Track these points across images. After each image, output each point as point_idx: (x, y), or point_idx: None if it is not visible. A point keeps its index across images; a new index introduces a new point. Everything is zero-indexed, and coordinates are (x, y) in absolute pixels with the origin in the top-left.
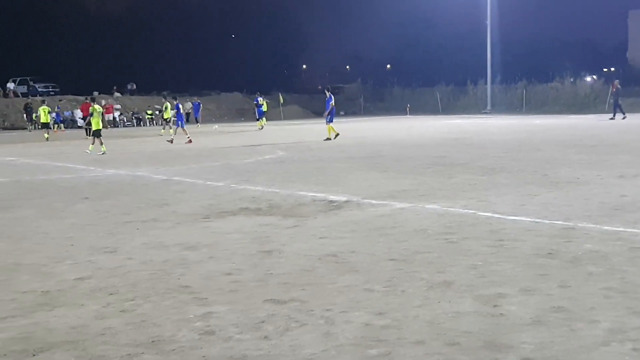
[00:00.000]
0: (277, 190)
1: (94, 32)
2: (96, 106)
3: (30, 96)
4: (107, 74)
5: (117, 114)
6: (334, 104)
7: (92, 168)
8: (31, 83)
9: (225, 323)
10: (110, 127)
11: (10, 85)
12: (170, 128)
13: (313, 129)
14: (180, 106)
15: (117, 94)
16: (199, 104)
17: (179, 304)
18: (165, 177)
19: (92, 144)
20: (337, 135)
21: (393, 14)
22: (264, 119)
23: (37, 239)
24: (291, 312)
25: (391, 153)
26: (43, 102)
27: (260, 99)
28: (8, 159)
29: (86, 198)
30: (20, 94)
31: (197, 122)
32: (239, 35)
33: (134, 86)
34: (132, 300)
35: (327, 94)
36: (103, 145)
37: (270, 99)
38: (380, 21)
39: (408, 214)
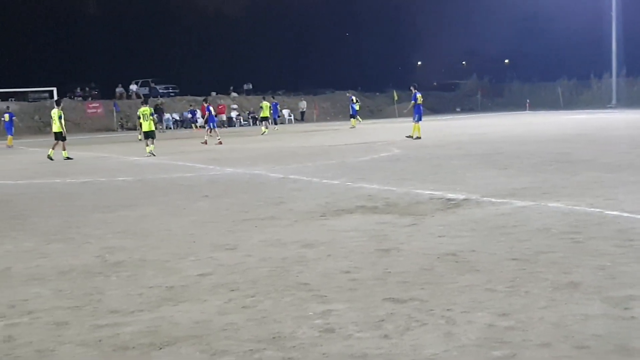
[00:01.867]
0: (394, 188)
1: (212, 33)
2: (145, 108)
3: (151, 97)
4: (224, 74)
5: (233, 113)
6: (418, 101)
7: (211, 167)
8: (152, 84)
9: (345, 321)
10: (226, 126)
11: (133, 86)
12: (267, 127)
13: (427, 127)
14: (212, 108)
15: (233, 94)
16: (277, 104)
17: (298, 301)
18: (281, 176)
19: (148, 145)
20: (417, 137)
21: (510, 6)
22: (358, 117)
23: (160, 235)
24: (411, 311)
25: (511, 150)
26: (143, 103)
27: (353, 98)
28: (132, 158)
29: (206, 196)
30: (142, 96)
31: (275, 123)
32: (353, 32)
33: (251, 86)
34: (252, 296)
35: (413, 91)
36: (150, 147)
37: (384, 96)
38: (497, 15)
39: (530, 212)
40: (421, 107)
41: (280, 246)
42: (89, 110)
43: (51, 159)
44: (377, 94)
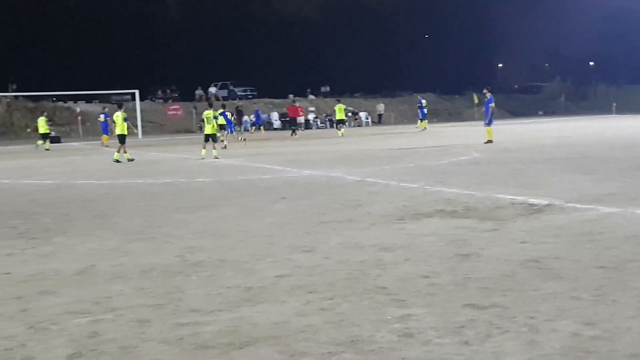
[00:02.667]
0: (473, 193)
1: (291, 36)
2: (209, 111)
3: (230, 100)
4: (302, 76)
5: (311, 116)
6: (494, 105)
7: (288, 169)
8: (231, 87)
9: (424, 326)
10: (302, 129)
11: (212, 89)
12: (339, 130)
13: (508, 130)
14: (228, 113)
15: (311, 97)
16: (256, 110)
17: (376, 305)
18: (359, 178)
19: (213, 148)
20: (490, 141)
21: (595, 6)
22: (426, 120)
23: (239, 236)
24: (492, 318)
25: (596, 154)
26: (223, 106)
27: (423, 101)
28: (211, 160)
29: (284, 198)
30: (221, 98)
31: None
32: (432, 34)
33: (328, 88)
34: (330, 299)
35: (487, 95)
36: (207, 150)
37: (463, 99)
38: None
39: (617, 219)
40: (493, 111)
41: (358, 249)
42: (169, 112)
43: (118, 161)
44: (456, 96)
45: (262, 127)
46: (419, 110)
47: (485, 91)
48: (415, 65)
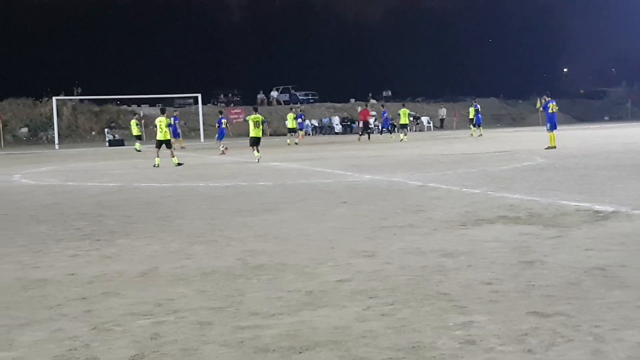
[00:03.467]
0: (537, 199)
1: (352, 40)
2: (256, 115)
3: (291, 104)
4: (363, 81)
5: (372, 120)
6: (550, 110)
7: (349, 173)
8: (292, 91)
9: (486, 333)
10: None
11: (274, 93)
12: (405, 134)
13: (573, 136)
14: (223, 121)
15: (372, 101)
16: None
17: (438, 311)
18: (420, 183)
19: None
20: (552, 147)
21: None
22: (480, 127)
23: (300, 240)
24: (556, 326)
25: None
26: (291, 109)
27: (479, 107)
28: (272, 163)
29: (344, 202)
30: (282, 102)
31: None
32: (496, 38)
33: (390, 93)
34: (391, 304)
35: (546, 99)
36: (256, 154)
37: (527, 104)
38: None
39: None
40: (555, 116)
41: (419, 255)
42: (231, 116)
43: (180, 164)
44: (520, 101)
45: (302, 131)
46: (475, 116)
47: (544, 96)
48: (478, 69)
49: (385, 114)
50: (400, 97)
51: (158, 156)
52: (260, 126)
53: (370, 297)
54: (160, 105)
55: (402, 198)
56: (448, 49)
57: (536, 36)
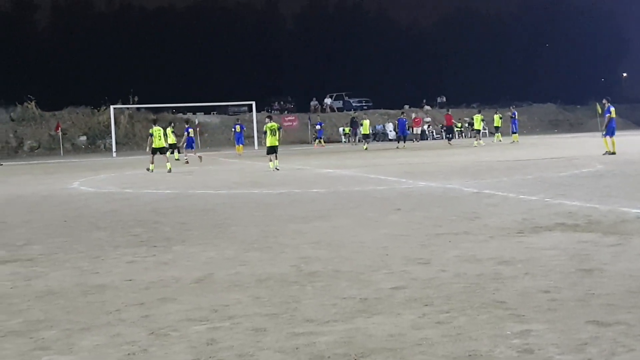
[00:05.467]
0: (596, 206)
1: (406, 46)
2: (272, 123)
3: (345, 110)
4: (417, 87)
5: (426, 126)
6: (611, 115)
7: (403, 180)
8: (346, 98)
9: (545, 342)
10: (417, 140)
11: (327, 100)
12: (479, 140)
13: (634, 141)
14: (190, 130)
15: (426, 107)
16: (405, 121)
17: (494, 319)
18: (476, 190)
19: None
20: (612, 153)
21: None
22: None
23: (353, 247)
24: (617, 336)
25: None
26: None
27: (516, 113)
28: (325, 170)
29: (398, 209)
30: (336, 109)
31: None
32: (553, 43)
33: (444, 99)
34: (447, 312)
35: (606, 104)
36: (274, 162)
37: (585, 109)
38: None
39: None
40: (614, 121)
41: (475, 262)
42: (285, 124)
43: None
44: (578, 106)
45: (320, 140)
46: (510, 123)
47: (604, 101)
48: (534, 75)
49: (406, 122)
50: (455, 103)
51: (152, 162)
52: (277, 134)
53: (426, 305)
54: (153, 116)
55: (457, 205)
56: (503, 54)
57: (595, 41)
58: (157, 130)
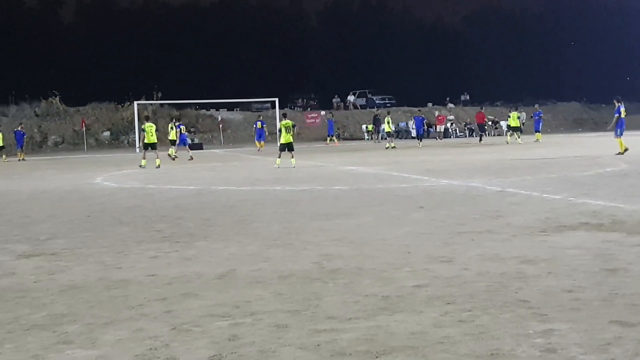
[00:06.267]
0: (621, 205)
1: (429, 44)
2: (286, 121)
3: (368, 108)
4: (440, 85)
5: (449, 124)
6: (621, 115)
7: (425, 178)
8: (369, 95)
9: (568, 342)
10: (440, 138)
11: (350, 97)
12: (511, 135)
13: None
14: (182, 127)
15: (450, 105)
16: (423, 118)
17: (517, 318)
18: (499, 189)
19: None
20: (625, 150)
21: None
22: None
23: (376, 245)
24: None
25: None
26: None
27: (541, 112)
28: (348, 167)
29: (421, 207)
30: (359, 106)
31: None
32: (579, 41)
33: (467, 97)
34: (469, 310)
35: (616, 104)
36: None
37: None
38: None
39: None
40: (624, 121)
41: (498, 261)
42: (308, 120)
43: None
44: (603, 105)
45: (333, 137)
46: (534, 122)
47: (615, 101)
48: (559, 73)
49: (423, 120)
50: (479, 101)
51: (145, 158)
52: (292, 131)
53: (448, 303)
54: (146, 113)
55: (480, 203)
56: (528, 52)
57: (620, 39)
58: (149, 126)
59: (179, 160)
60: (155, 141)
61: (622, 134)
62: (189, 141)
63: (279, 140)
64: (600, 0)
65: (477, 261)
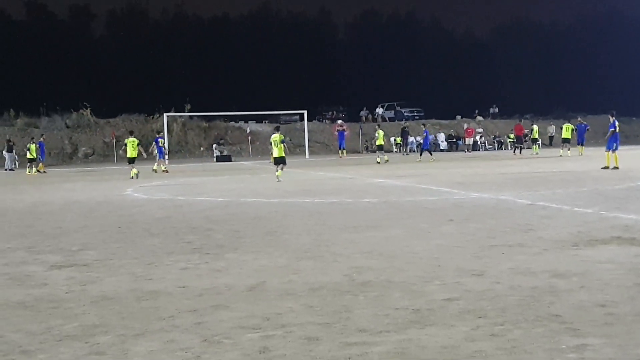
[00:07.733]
0: None
1: (458, 56)
2: (277, 135)
3: (396, 120)
4: (470, 97)
5: (478, 137)
6: (616, 129)
7: (455, 191)
8: (398, 108)
9: (601, 357)
10: (468, 150)
11: (379, 110)
12: (565, 148)
13: None
14: (160, 140)
15: (479, 118)
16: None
17: (550, 333)
18: (529, 202)
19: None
20: (614, 167)
21: None
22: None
23: (406, 258)
24: None
25: None
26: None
27: (588, 127)
28: (377, 180)
29: (451, 220)
30: (387, 119)
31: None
32: (609, 54)
33: (497, 109)
34: (501, 325)
35: (611, 119)
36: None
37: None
38: None
39: None
40: (618, 136)
41: (529, 275)
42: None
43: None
44: (633, 118)
45: (344, 150)
46: (580, 134)
47: (609, 115)
48: (589, 86)
49: (427, 134)
50: (508, 114)
51: (133, 168)
52: (280, 145)
53: (480, 317)
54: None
55: (510, 217)
56: (558, 65)
57: None
58: (131, 141)
59: (199, 173)
60: (136, 155)
61: (617, 149)
62: (165, 153)
63: (272, 155)
64: (630, 11)
65: (508, 275)
